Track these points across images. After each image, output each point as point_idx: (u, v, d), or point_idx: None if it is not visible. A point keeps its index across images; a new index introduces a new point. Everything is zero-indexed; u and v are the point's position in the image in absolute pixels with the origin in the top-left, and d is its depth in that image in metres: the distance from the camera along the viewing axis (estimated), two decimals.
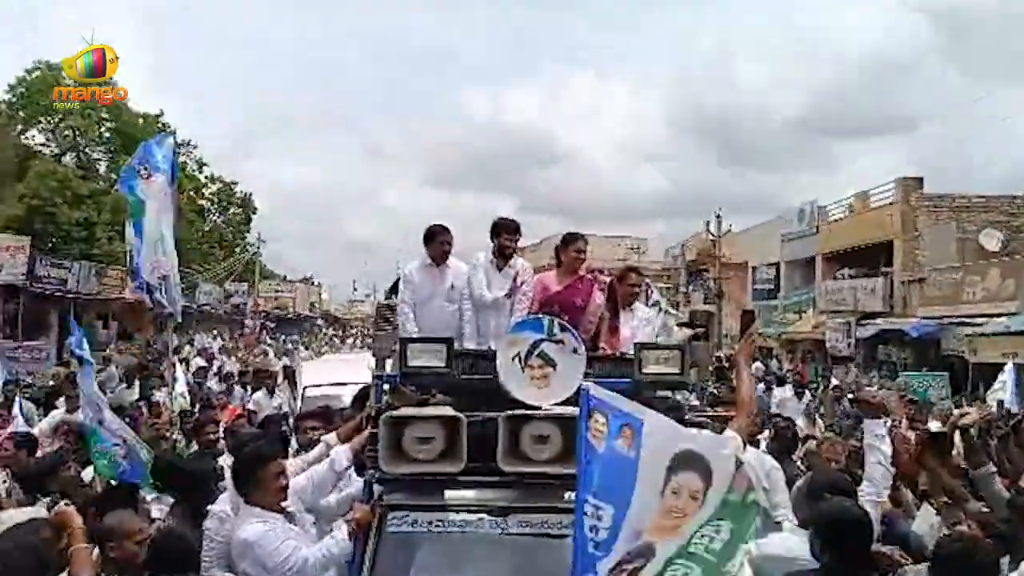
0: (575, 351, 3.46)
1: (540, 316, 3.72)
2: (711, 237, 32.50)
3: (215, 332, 35.58)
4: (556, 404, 3.35)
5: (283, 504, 3.35)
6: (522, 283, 4.84)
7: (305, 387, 10.16)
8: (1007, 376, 11.27)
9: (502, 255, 4.99)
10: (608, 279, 4.98)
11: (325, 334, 48.86)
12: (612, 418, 2.43)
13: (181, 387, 8.21)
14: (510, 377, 3.42)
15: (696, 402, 4.00)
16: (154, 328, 33.90)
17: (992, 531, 3.38)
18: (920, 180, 23.45)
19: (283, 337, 40.90)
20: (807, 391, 13.18)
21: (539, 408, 3.33)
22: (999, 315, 17.31)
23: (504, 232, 4.97)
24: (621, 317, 4.86)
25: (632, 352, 3.75)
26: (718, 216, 32.10)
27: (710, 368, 3.73)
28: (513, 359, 3.45)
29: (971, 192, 23.05)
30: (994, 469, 4.15)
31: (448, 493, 3.32)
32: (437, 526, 3.26)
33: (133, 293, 7.34)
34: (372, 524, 3.25)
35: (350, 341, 42.16)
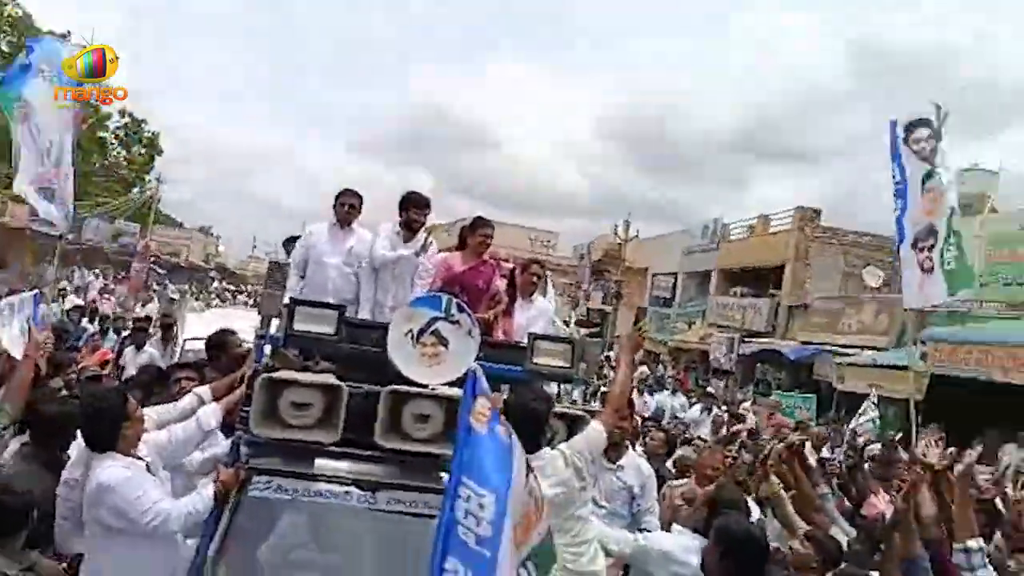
0: (470, 333, 3.41)
1: (439, 294, 3.66)
2: (617, 240, 33.14)
3: (98, 271, 33.63)
4: (443, 384, 3.30)
5: (137, 451, 3.18)
6: (430, 243, 4.77)
7: (186, 339, 9.71)
8: (870, 409, 11.94)
9: (409, 228, 4.89)
10: (510, 266, 4.98)
11: (217, 287, 47.00)
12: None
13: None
14: (400, 352, 3.34)
15: (577, 397, 4.01)
16: (33, 258, 31.82)
17: (822, 547, 3.59)
18: (818, 212, 24.56)
19: (168, 284, 39.02)
20: (715, 405, 13.43)
21: (425, 386, 3.27)
22: (870, 348, 18.35)
23: (413, 207, 4.87)
24: (518, 306, 4.86)
25: (525, 342, 3.74)
26: (626, 221, 32.79)
27: (597, 365, 3.74)
28: (406, 334, 3.37)
29: (863, 229, 24.33)
30: (827, 490, 4.40)
31: (319, 462, 3.21)
32: (303, 495, 3.15)
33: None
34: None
35: (242, 297, 40.65)
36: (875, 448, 8.41)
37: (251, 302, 34.95)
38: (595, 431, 3.23)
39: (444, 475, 3.12)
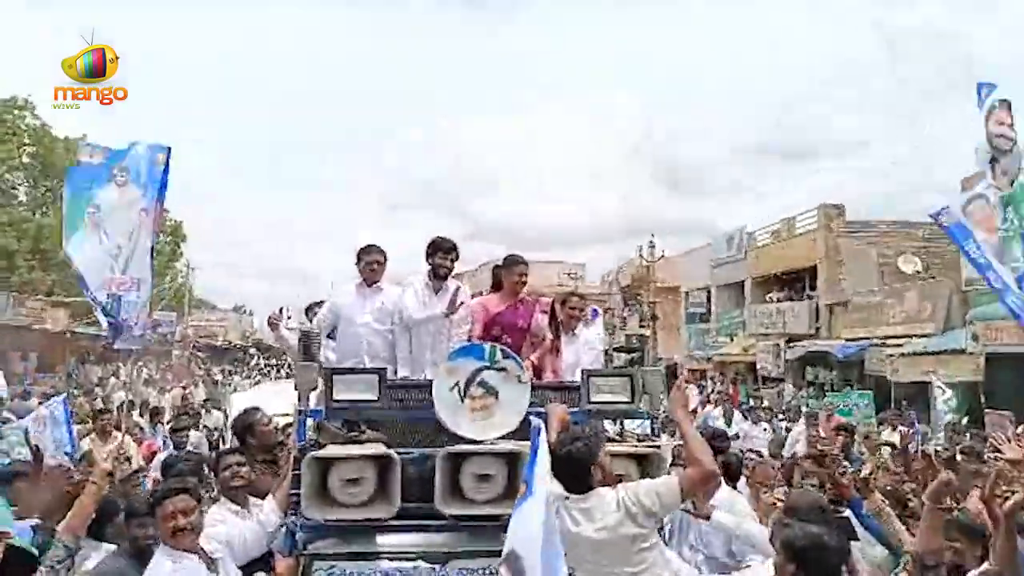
0: (519, 379, 3.20)
1: (481, 342, 3.47)
2: (645, 262, 32.87)
3: (140, 363, 34.05)
4: (500, 438, 3.09)
5: (192, 546, 3.01)
6: (460, 303, 4.58)
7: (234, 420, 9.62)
8: (942, 395, 11.50)
9: (437, 275, 4.73)
10: (549, 300, 4.79)
11: (257, 364, 47.32)
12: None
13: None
14: (448, 409, 3.14)
15: (647, 431, 3.70)
16: (76, 360, 32.33)
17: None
18: (841, 207, 24.16)
19: (213, 368, 39.60)
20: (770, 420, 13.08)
21: (481, 443, 3.07)
22: (918, 335, 17.86)
23: (439, 251, 4.70)
24: (564, 341, 4.66)
25: (578, 379, 3.52)
26: (651, 242, 32.52)
27: (662, 395, 3.43)
28: (451, 389, 3.17)
29: (890, 219, 23.86)
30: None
31: (380, 539, 3.01)
32: None
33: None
34: None
35: (284, 370, 40.89)
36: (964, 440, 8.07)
37: (285, 375, 35.18)
38: (667, 485, 2.89)
39: None
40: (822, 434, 9.01)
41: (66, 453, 6.86)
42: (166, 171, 6.23)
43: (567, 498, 2.84)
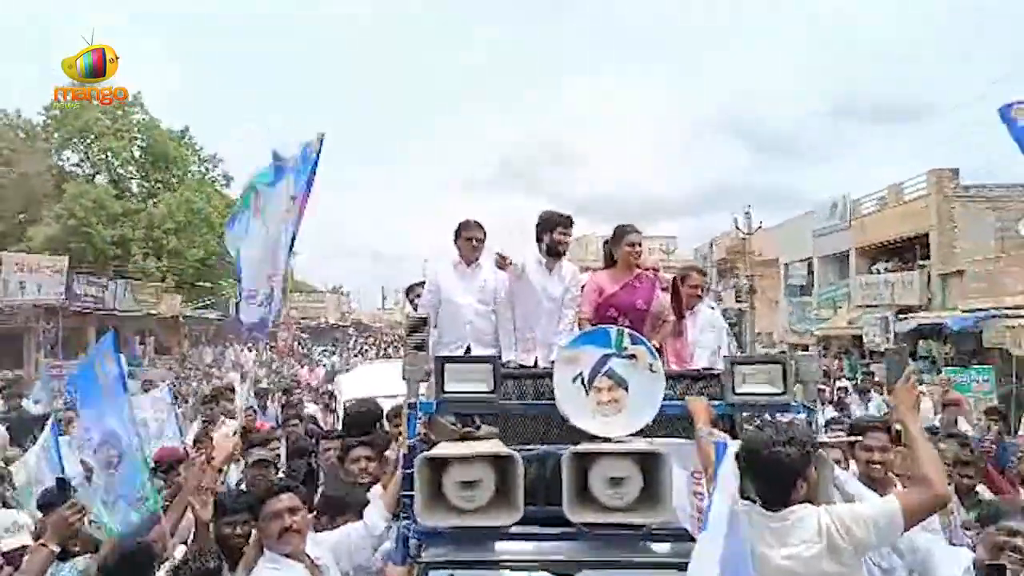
0: (651, 368, 2.79)
1: (605, 326, 3.10)
2: (740, 234, 31.67)
3: (249, 344, 35.37)
4: (631, 435, 2.73)
5: (297, 549, 2.80)
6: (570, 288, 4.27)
7: (346, 403, 9.50)
8: None
9: (553, 253, 4.39)
10: (670, 276, 4.37)
11: (357, 343, 48.55)
12: None
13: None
14: (571, 402, 2.78)
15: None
16: (189, 342, 33.93)
17: None
18: (955, 171, 22.59)
19: (317, 348, 40.94)
20: None
21: (610, 441, 2.71)
22: None
23: (559, 226, 4.36)
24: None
25: (709, 365, 3.15)
26: (747, 212, 31.28)
27: (818, 384, 2.98)
28: (575, 380, 2.80)
29: (1010, 181, 22.12)
30: None
31: (500, 546, 2.71)
32: None
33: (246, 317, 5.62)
34: None
35: (372, 352, 41.78)
36: None
37: (381, 353, 36.01)
38: (887, 513, 2.30)
39: (651, 544, 2.60)
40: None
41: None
42: (318, 155, 5.91)
43: (755, 509, 2.37)
